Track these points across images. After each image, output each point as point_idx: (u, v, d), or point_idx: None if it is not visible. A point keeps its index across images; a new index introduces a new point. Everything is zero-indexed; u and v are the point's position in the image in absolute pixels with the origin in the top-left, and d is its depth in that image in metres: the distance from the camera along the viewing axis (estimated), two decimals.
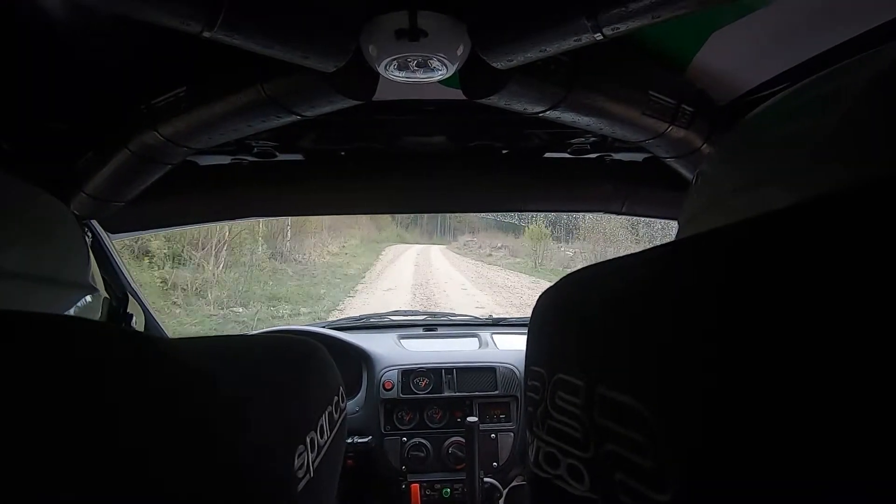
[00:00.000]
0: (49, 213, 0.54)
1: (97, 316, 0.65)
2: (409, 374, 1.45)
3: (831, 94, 0.29)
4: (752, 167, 0.34)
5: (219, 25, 0.53)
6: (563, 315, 0.27)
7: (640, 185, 1.18)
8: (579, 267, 0.29)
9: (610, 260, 0.26)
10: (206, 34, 0.54)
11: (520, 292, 10.48)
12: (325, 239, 15.37)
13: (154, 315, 1.23)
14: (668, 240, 0.28)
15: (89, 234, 0.96)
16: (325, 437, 0.36)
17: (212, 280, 7.83)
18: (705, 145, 0.83)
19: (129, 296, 0.98)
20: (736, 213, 0.34)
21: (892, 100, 0.25)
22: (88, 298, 0.58)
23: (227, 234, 8.53)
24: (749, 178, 0.34)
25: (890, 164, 0.23)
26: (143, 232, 1.17)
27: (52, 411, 0.19)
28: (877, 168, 0.24)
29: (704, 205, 0.39)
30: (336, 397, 0.40)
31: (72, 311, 0.55)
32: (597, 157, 1.15)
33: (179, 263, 7.80)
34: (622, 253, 0.28)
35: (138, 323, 0.92)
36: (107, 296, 0.79)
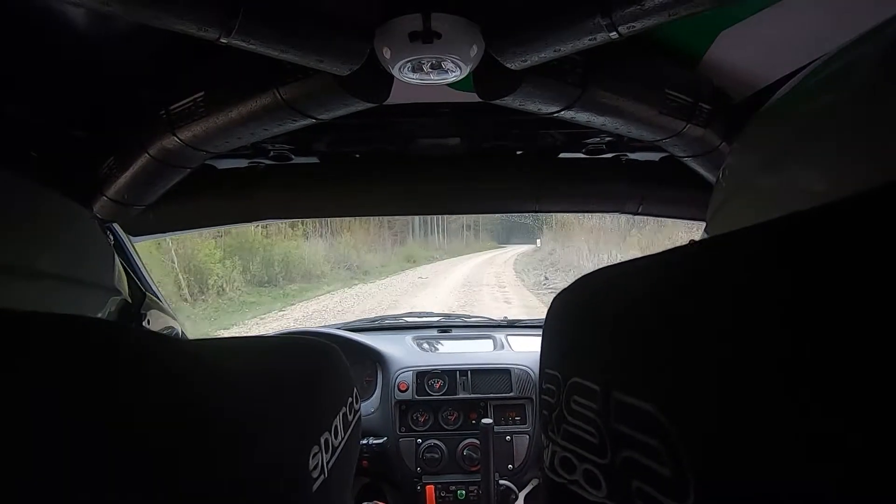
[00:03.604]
0: (73, 217, 0.55)
1: (114, 316, 0.66)
2: (424, 376, 1.45)
3: (843, 71, 0.29)
4: (775, 149, 0.33)
5: (235, 31, 0.54)
6: (578, 318, 0.26)
7: (656, 185, 1.16)
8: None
9: (626, 262, 0.25)
10: (224, 40, 0.54)
11: None
12: None
13: (174, 315, 1.26)
14: None
15: (111, 237, 0.98)
16: (340, 438, 0.36)
17: None
18: (723, 144, 0.81)
19: (148, 296, 1.00)
20: (763, 194, 0.34)
21: None
22: (111, 300, 0.60)
23: None
24: (774, 159, 0.33)
25: None
26: (164, 234, 1.19)
27: (71, 414, 0.19)
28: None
29: (731, 195, 0.38)
30: (350, 398, 0.40)
31: (95, 313, 0.56)
32: (612, 156, 1.14)
33: None
34: None
35: (153, 322, 0.94)
36: (129, 300, 0.81)
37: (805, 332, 0.15)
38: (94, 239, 0.56)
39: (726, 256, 0.19)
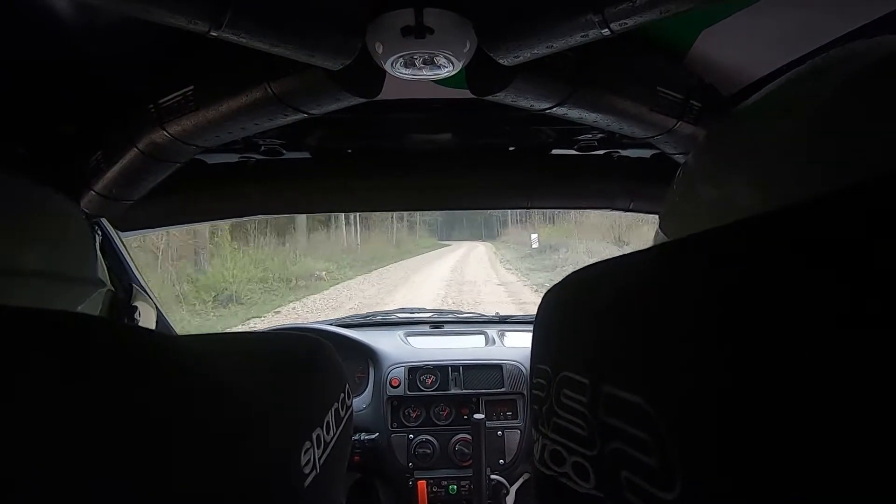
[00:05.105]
0: (58, 210, 0.55)
1: (103, 309, 0.66)
2: (416, 372, 1.45)
3: (803, 97, 0.30)
4: (725, 162, 0.35)
5: (225, 25, 0.53)
6: (568, 313, 0.26)
7: (647, 182, 1.17)
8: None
9: (616, 257, 0.26)
10: (213, 33, 0.54)
11: None
12: None
13: (163, 312, 1.25)
14: None
15: (99, 233, 0.97)
16: (332, 434, 0.36)
17: None
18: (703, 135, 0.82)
19: (137, 290, 0.99)
20: (704, 207, 0.35)
21: (856, 107, 0.26)
22: (98, 293, 0.59)
23: None
24: (721, 172, 0.34)
25: (857, 167, 0.24)
26: (153, 230, 1.18)
27: (67, 412, 0.19)
28: (845, 169, 0.24)
29: (682, 196, 0.39)
30: (342, 394, 0.40)
31: (83, 307, 0.56)
32: (604, 153, 1.15)
33: None
34: None
35: (144, 316, 0.93)
36: (112, 288, 0.80)
37: (791, 330, 0.16)
38: (76, 230, 0.56)
39: (701, 254, 0.20)
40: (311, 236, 16.75)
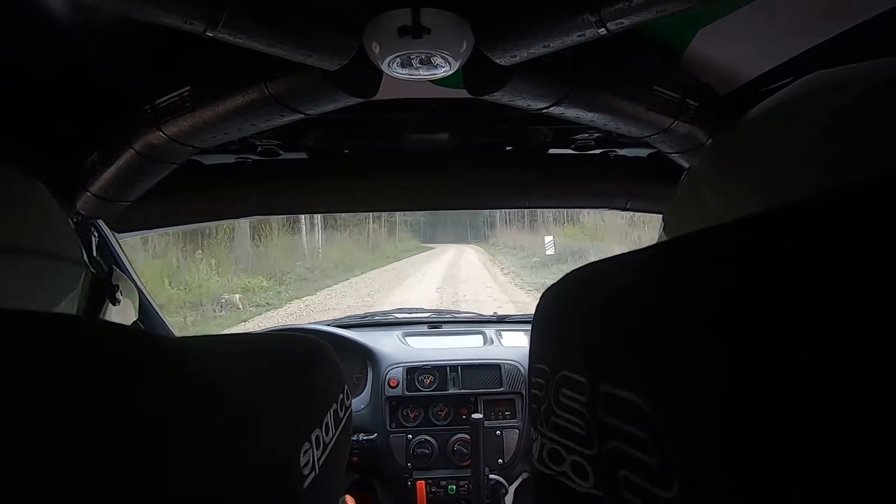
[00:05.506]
0: (25, 190, 0.54)
1: (86, 289, 0.65)
2: (414, 372, 1.45)
3: (809, 113, 0.30)
4: (731, 172, 0.35)
5: (221, 25, 0.53)
6: (566, 312, 0.27)
7: (644, 182, 1.17)
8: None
9: (614, 256, 0.26)
10: (209, 34, 0.54)
11: None
12: None
13: (160, 314, 1.24)
14: None
15: (96, 234, 0.96)
16: (331, 435, 0.36)
17: None
18: (710, 140, 0.82)
19: (116, 271, 0.98)
20: (709, 214, 0.35)
21: (860, 126, 0.27)
22: (83, 274, 0.59)
23: None
24: (727, 181, 0.35)
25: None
26: (149, 231, 1.18)
27: (63, 410, 0.19)
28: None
29: (687, 201, 0.39)
30: (341, 395, 0.40)
31: (66, 287, 0.55)
32: (601, 152, 1.15)
33: None
34: None
35: (125, 291, 0.91)
36: (93, 270, 0.79)
37: (788, 328, 0.16)
38: (46, 208, 0.55)
39: (698, 253, 0.20)
40: (264, 239, 12.21)
